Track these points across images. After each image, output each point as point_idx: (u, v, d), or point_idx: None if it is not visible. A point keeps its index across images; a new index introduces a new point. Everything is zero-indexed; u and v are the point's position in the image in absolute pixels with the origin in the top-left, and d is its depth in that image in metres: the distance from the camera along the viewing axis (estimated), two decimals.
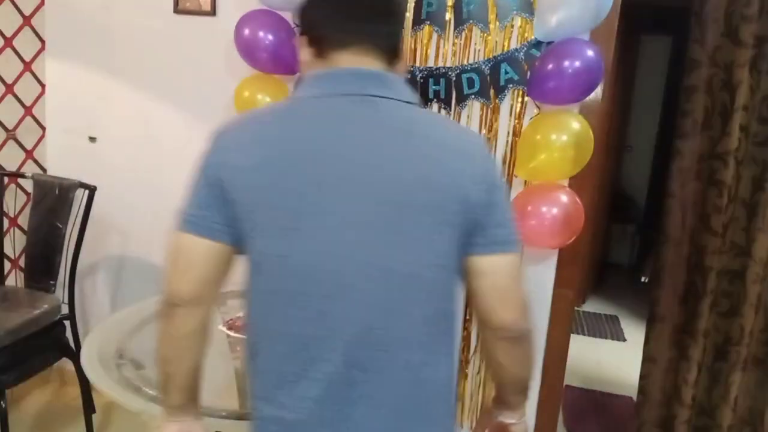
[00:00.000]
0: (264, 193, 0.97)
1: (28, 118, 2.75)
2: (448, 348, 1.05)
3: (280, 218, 0.96)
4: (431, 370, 1.02)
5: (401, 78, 1.05)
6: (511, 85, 2.17)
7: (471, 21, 2.17)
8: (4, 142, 2.67)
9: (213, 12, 2.46)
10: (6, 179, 2.63)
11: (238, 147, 1.00)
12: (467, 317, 2.36)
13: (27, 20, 2.66)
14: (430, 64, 2.24)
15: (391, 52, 1.05)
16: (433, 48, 2.23)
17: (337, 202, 0.96)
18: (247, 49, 2.22)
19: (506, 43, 2.15)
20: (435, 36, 2.22)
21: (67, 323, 2.50)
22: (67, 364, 2.54)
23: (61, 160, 2.81)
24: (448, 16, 2.19)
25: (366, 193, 0.96)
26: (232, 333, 1.74)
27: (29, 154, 2.77)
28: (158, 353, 1.09)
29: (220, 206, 1.00)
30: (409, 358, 1.00)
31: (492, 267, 1.02)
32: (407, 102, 1.02)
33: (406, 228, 0.97)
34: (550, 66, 1.97)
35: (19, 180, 2.70)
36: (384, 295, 0.97)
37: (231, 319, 1.80)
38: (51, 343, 2.42)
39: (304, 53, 1.07)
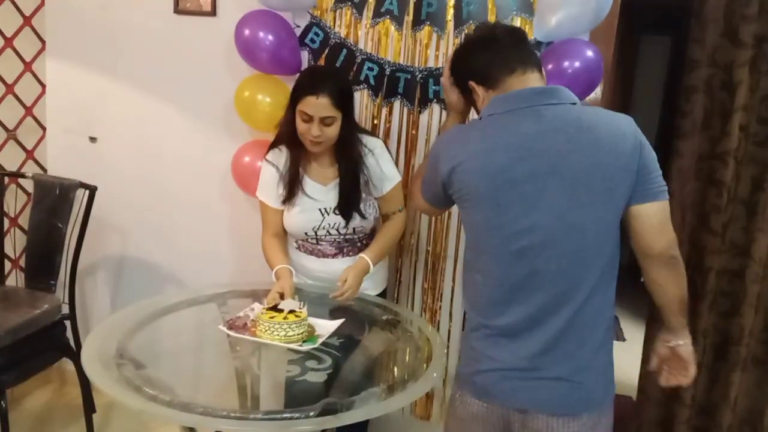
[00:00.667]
0: (484, 183, 1.38)
1: (29, 118, 2.75)
2: (613, 285, 1.44)
3: (495, 198, 1.37)
4: (602, 300, 1.41)
5: (562, 87, 1.43)
6: None
7: (471, 21, 2.17)
8: (5, 142, 2.67)
9: (213, 12, 2.46)
10: (6, 179, 2.63)
11: (460, 153, 1.41)
12: None
13: (27, 20, 2.66)
14: (430, 64, 2.24)
15: (539, 66, 1.46)
16: (433, 48, 2.23)
17: (539, 182, 1.35)
18: (247, 49, 2.23)
19: None
20: (435, 36, 2.22)
21: (67, 323, 2.50)
22: (67, 363, 2.55)
23: (61, 160, 2.81)
24: (448, 16, 2.20)
25: (559, 174, 1.34)
26: (232, 333, 1.74)
27: (29, 154, 2.78)
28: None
29: (443, 196, 1.50)
30: (591, 292, 1.38)
31: (649, 211, 1.40)
32: (572, 103, 1.41)
33: (590, 197, 1.35)
34: (550, 66, 1.97)
35: (20, 180, 2.71)
36: (578, 245, 1.36)
37: (231, 319, 1.80)
38: (51, 342, 2.42)
39: (479, 93, 1.48)
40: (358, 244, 2.05)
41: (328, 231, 2.00)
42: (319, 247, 2.04)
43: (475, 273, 1.47)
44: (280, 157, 2.01)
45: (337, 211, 1.98)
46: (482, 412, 1.46)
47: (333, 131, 1.89)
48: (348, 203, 1.97)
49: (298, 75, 2.00)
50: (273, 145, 2.04)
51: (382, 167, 2.00)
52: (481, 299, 1.46)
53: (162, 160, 2.68)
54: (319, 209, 1.98)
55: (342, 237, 2.02)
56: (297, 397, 1.56)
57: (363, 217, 1.99)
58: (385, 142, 2.15)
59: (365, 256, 1.95)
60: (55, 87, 2.77)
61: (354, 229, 2.01)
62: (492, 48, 1.47)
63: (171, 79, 2.59)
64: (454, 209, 2.33)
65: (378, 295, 2.11)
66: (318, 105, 1.84)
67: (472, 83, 1.49)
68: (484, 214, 1.40)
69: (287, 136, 1.97)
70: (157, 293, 2.58)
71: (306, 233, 2.01)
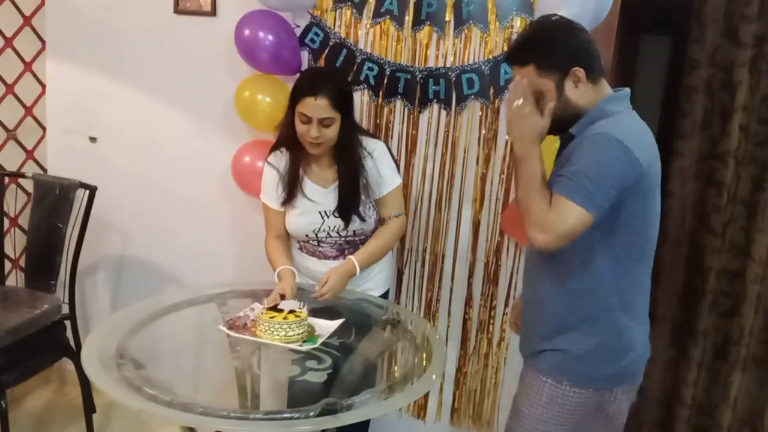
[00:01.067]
0: (658, 168, 1.48)
1: (29, 118, 2.75)
2: None
3: (658, 182, 1.48)
4: None
5: None
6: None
7: (471, 21, 2.17)
8: (5, 142, 2.67)
9: (213, 12, 2.46)
10: (6, 179, 2.63)
11: (646, 142, 1.46)
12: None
13: (27, 20, 2.66)
14: (430, 64, 2.24)
15: None
16: (433, 48, 2.23)
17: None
18: (247, 49, 2.23)
19: (506, 44, 2.15)
20: (435, 36, 2.22)
21: (67, 323, 2.50)
22: (67, 363, 2.55)
23: (61, 160, 2.81)
24: (448, 16, 2.20)
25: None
26: (232, 333, 1.74)
27: (29, 154, 2.78)
28: None
29: (616, 196, 1.39)
30: None
31: None
32: None
33: None
34: None
35: (20, 180, 2.70)
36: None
37: (231, 319, 1.81)
38: (51, 342, 2.42)
39: (579, 82, 1.45)
40: (359, 246, 2.04)
41: (328, 233, 2.00)
42: (320, 249, 2.03)
43: (635, 276, 1.51)
44: (281, 159, 2.00)
45: (336, 214, 1.98)
46: (627, 394, 1.61)
47: (332, 133, 1.88)
48: (347, 206, 1.96)
49: (298, 75, 2.00)
50: (274, 147, 2.04)
51: (380, 170, 1.99)
52: (639, 297, 1.55)
53: (162, 161, 2.68)
54: (319, 212, 1.98)
55: (342, 239, 2.02)
56: (297, 397, 1.57)
57: (362, 219, 1.98)
58: (386, 143, 2.15)
59: (353, 258, 1.95)
60: (55, 87, 2.77)
61: (354, 231, 2.00)
62: (592, 42, 1.50)
63: (171, 79, 2.59)
64: (449, 207, 2.33)
65: (381, 296, 2.11)
66: (316, 106, 1.83)
67: (578, 70, 1.43)
68: (655, 199, 1.49)
69: (287, 137, 1.96)
70: (157, 293, 2.58)
71: (306, 235, 2.01)
